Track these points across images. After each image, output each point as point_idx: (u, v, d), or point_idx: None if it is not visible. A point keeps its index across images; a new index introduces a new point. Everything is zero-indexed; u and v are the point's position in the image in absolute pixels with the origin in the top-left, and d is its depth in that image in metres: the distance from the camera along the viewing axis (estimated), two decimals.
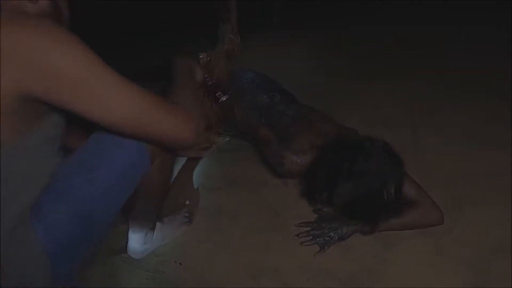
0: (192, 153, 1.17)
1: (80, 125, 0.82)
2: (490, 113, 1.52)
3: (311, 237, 1.05)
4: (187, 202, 1.26)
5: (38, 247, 0.66)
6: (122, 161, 0.76)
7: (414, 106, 1.64)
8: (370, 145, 0.95)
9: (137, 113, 0.64)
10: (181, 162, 1.39)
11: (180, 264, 1.05)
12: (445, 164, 1.29)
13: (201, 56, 1.46)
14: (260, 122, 1.35)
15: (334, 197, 0.95)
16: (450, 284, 0.93)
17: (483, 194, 1.16)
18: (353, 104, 1.71)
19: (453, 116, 1.54)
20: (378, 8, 2.76)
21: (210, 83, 1.25)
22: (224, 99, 1.23)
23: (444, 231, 1.04)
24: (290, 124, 1.24)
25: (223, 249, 1.09)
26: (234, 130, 1.45)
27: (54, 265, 0.68)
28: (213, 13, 2.17)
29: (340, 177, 0.93)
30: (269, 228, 1.14)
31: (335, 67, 2.07)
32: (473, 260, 0.97)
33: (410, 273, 0.96)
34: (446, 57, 1.99)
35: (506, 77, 1.72)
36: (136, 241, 1.06)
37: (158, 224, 1.10)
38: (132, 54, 2.24)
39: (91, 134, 0.78)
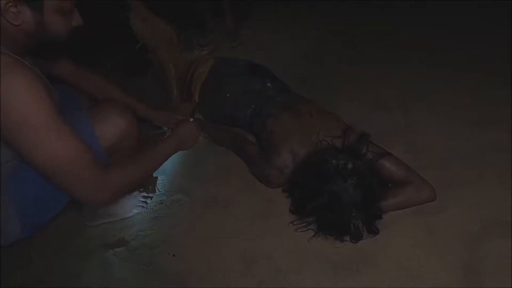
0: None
1: None
2: (483, 93, 1.51)
3: (305, 223, 1.04)
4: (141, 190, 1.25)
5: (10, 208, 0.82)
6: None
7: (406, 88, 1.63)
8: (347, 167, 0.93)
9: (50, 174, 0.73)
10: None
11: (173, 255, 1.04)
12: (437, 145, 1.29)
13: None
14: (248, 112, 1.34)
15: (312, 213, 0.98)
16: (444, 264, 0.92)
17: (476, 174, 1.16)
18: (346, 87, 1.69)
19: (445, 97, 1.53)
20: None
21: None
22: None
23: (437, 211, 1.04)
24: (277, 117, 1.22)
25: (216, 238, 1.08)
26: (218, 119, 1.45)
27: (22, 223, 0.85)
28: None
29: (314, 196, 0.93)
30: (262, 216, 1.13)
31: (328, 49, 2.04)
32: (466, 240, 0.97)
33: (403, 254, 0.96)
34: (439, 41, 1.95)
35: (500, 58, 1.70)
36: (91, 209, 1.14)
37: None
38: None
39: None
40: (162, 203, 1.23)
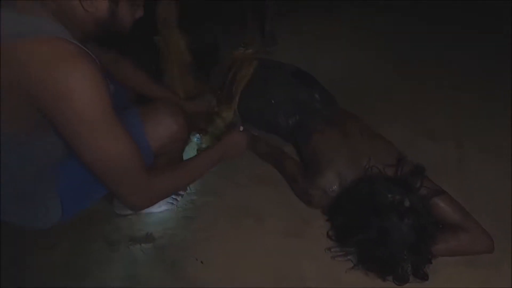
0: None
1: None
2: None
3: (344, 252, 0.98)
4: None
5: (54, 193, 0.83)
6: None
7: (458, 119, 1.53)
8: (404, 204, 0.86)
9: (97, 171, 0.72)
10: None
11: (201, 262, 1.01)
12: (493, 186, 1.19)
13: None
14: (291, 121, 1.28)
15: (354, 245, 0.92)
16: None
17: None
18: (393, 107, 1.61)
19: (504, 134, 1.43)
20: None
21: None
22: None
23: (493, 263, 0.96)
24: (323, 133, 1.16)
25: (247, 251, 1.04)
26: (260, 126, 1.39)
27: (63, 207, 0.85)
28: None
29: (362, 228, 0.87)
30: (297, 235, 1.08)
31: (373, 64, 1.95)
32: None
33: None
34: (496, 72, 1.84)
35: None
36: None
37: None
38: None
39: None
40: (192, 203, 1.20)
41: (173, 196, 1.19)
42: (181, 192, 1.22)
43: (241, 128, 1.14)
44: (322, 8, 2.55)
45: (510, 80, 1.75)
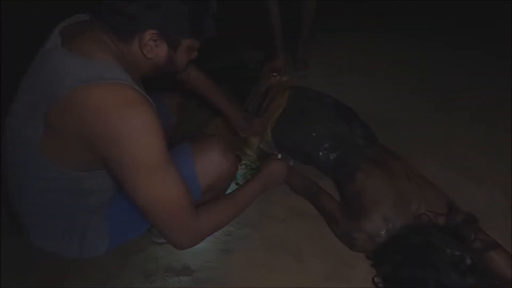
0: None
1: None
2: None
3: None
4: None
5: (103, 226, 0.85)
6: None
7: (506, 161, 1.45)
8: (466, 263, 0.82)
9: (146, 213, 0.72)
10: None
11: None
12: None
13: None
14: (332, 157, 1.26)
15: None
16: None
17: None
18: (426, 141, 1.56)
19: None
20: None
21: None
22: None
23: None
24: (368, 173, 1.13)
25: None
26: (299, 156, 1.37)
27: (111, 239, 0.87)
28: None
29: (416, 283, 0.84)
30: (338, 277, 1.04)
31: (407, 94, 1.90)
32: None
33: None
34: None
35: None
36: None
37: None
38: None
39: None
40: (230, 235, 1.18)
41: None
42: None
43: (279, 156, 1.13)
44: (349, 31, 2.53)
45: None
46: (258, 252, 1.12)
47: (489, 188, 1.34)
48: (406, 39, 2.47)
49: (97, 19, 0.70)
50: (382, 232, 1.00)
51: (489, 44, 2.42)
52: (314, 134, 1.31)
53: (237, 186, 1.31)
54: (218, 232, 1.17)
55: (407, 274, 0.86)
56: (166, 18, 0.67)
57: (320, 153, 1.29)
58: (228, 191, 1.01)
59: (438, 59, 2.26)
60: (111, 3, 0.66)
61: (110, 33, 0.69)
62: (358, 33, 2.53)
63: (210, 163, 0.89)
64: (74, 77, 0.63)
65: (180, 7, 0.67)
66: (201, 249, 1.13)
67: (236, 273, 1.06)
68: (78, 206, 0.81)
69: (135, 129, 0.64)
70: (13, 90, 0.74)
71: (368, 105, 1.74)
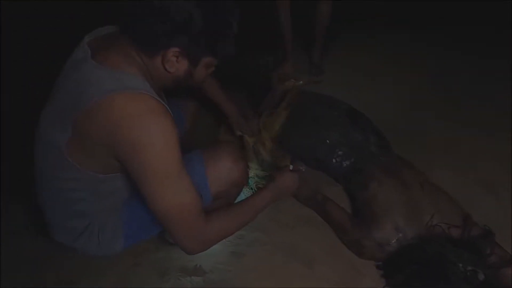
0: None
1: None
2: None
3: None
4: None
5: (119, 226, 0.90)
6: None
7: None
8: (478, 278, 0.81)
9: (160, 216, 0.76)
10: None
11: None
12: None
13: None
14: (345, 164, 1.26)
15: None
16: None
17: None
18: (441, 148, 1.54)
19: None
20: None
21: None
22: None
23: None
24: (381, 182, 1.13)
25: None
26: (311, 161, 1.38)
27: (126, 238, 0.91)
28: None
29: None
30: (346, 285, 1.05)
31: (422, 101, 1.87)
32: None
33: None
34: None
35: None
36: None
37: None
38: None
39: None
40: (241, 239, 1.20)
41: None
42: None
43: (291, 167, 1.13)
44: (365, 35, 2.51)
45: None
46: (269, 256, 1.14)
47: (503, 199, 1.32)
48: (429, 46, 2.43)
49: (125, 32, 0.73)
50: (393, 241, 1.00)
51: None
52: (328, 141, 1.32)
53: (249, 190, 1.34)
54: None
55: (419, 286, 0.86)
56: (190, 38, 0.71)
57: (334, 160, 1.30)
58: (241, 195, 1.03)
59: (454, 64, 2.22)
60: (141, 19, 0.69)
61: (136, 47, 0.73)
62: (375, 37, 2.50)
63: (221, 170, 0.92)
64: (101, 87, 0.67)
65: (204, 29, 0.70)
66: (214, 251, 1.14)
67: (247, 276, 1.08)
68: (97, 206, 0.86)
69: (154, 137, 0.68)
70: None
71: (384, 111, 1.74)
